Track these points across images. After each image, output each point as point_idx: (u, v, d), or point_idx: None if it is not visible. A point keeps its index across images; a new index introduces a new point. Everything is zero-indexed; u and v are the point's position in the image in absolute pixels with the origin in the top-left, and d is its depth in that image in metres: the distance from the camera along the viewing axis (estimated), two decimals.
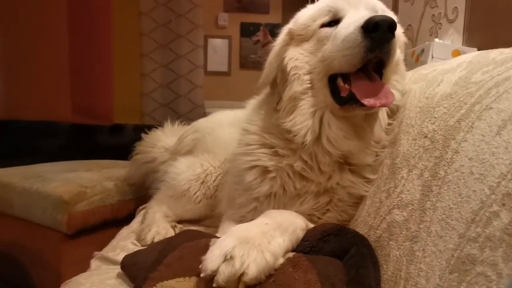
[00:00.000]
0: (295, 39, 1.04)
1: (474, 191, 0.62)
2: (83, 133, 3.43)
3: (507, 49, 0.88)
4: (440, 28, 1.63)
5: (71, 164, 2.49)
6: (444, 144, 0.77)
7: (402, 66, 1.08)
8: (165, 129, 2.12)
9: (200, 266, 0.72)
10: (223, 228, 1.18)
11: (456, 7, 1.51)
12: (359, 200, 1.04)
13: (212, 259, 0.70)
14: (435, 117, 0.86)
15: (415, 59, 1.52)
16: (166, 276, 0.76)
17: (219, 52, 4.59)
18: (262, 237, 0.77)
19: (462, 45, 1.46)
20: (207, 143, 1.64)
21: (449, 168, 0.72)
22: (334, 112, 0.98)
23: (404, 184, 0.86)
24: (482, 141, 0.67)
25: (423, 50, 1.44)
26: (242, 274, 0.68)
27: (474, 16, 1.42)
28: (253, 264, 0.69)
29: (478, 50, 1.38)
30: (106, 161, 2.65)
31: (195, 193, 1.49)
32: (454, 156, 0.72)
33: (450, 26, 1.54)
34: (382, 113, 1.02)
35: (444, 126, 0.80)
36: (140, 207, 1.79)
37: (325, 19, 0.98)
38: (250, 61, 4.62)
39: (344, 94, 0.93)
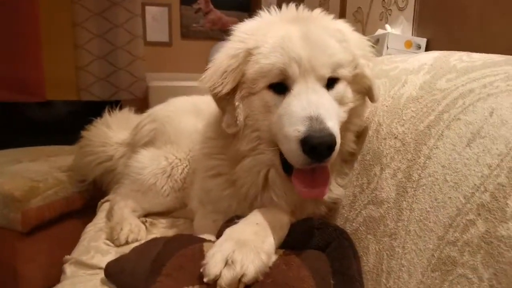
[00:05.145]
0: (245, 83, 0.94)
1: (450, 198, 0.72)
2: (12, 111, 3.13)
3: (464, 54, 0.98)
4: (390, 15, 1.72)
5: (11, 153, 2.30)
6: (416, 148, 0.86)
7: (361, 109, 1.05)
8: (109, 123, 1.93)
9: (201, 270, 0.77)
10: (199, 228, 1.19)
11: None
12: None
13: (214, 264, 0.75)
14: (403, 119, 0.95)
15: None
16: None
17: (158, 21, 4.37)
18: (256, 239, 0.84)
19: (412, 34, 1.56)
20: (169, 134, 1.59)
21: (422, 172, 0.81)
22: (280, 171, 0.96)
23: (377, 182, 0.95)
24: (453, 150, 0.76)
25: (378, 40, 1.52)
26: (242, 276, 0.75)
27: (425, 7, 1.52)
28: (251, 265, 0.77)
29: (428, 40, 1.50)
30: (50, 148, 2.49)
31: (162, 187, 1.47)
32: (427, 162, 0.81)
33: (400, 14, 1.64)
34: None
35: (414, 130, 0.89)
36: (102, 200, 1.74)
37: (275, 80, 0.90)
38: (192, 31, 4.46)
39: None
